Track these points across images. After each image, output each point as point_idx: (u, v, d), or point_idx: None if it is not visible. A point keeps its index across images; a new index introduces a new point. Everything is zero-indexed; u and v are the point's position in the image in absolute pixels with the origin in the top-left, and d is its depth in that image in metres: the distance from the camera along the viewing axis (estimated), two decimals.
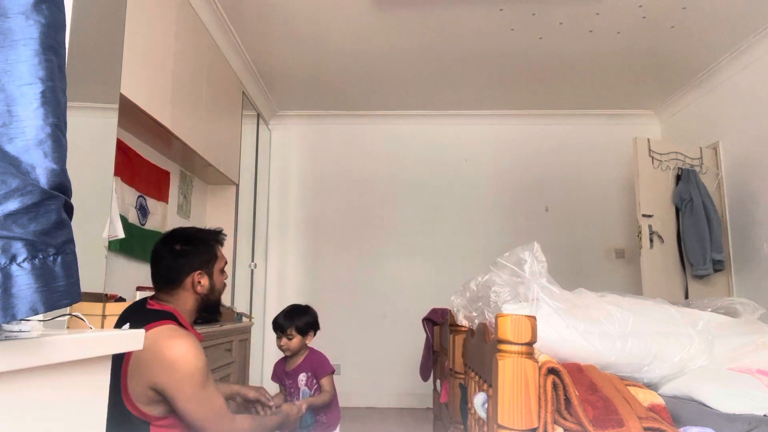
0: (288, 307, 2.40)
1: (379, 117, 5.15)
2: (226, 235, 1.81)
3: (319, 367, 2.32)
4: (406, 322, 4.70)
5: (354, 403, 4.63)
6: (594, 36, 3.72)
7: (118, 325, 1.67)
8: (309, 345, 2.38)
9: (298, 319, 2.32)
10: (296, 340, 2.31)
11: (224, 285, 1.81)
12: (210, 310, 1.77)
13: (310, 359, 2.34)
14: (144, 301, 1.68)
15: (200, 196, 3.93)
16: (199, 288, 1.68)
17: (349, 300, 4.89)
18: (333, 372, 2.35)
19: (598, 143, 5.10)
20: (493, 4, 3.35)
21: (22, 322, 0.74)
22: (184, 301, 1.67)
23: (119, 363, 1.48)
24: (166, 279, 1.66)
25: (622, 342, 1.44)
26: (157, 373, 1.44)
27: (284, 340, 2.31)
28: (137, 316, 1.61)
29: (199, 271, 1.67)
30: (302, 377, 2.31)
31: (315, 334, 2.39)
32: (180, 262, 1.65)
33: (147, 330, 1.47)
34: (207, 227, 1.80)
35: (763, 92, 3.73)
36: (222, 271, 1.78)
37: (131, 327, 1.50)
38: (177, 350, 1.47)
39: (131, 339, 0.94)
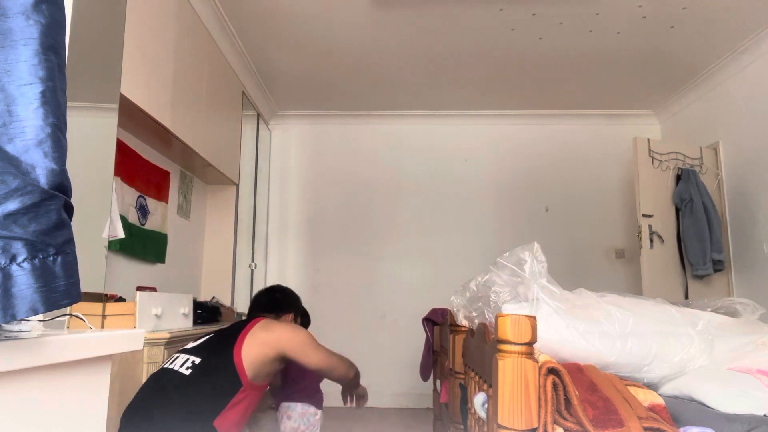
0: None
1: (379, 117, 5.15)
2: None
3: None
4: (406, 322, 4.70)
5: None
6: (594, 36, 3.72)
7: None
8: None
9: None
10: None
11: None
12: None
13: None
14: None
15: (200, 196, 3.93)
16: None
17: (348, 300, 4.89)
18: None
19: (598, 143, 5.10)
20: (493, 4, 3.35)
21: (22, 322, 0.74)
22: None
23: (241, 326, 1.97)
24: (275, 306, 2.29)
25: (622, 342, 1.44)
26: (284, 343, 1.96)
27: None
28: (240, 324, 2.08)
29: (293, 315, 2.35)
30: None
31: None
32: (289, 301, 2.37)
33: (262, 318, 2.05)
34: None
35: (763, 92, 3.73)
36: None
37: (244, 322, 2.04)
38: (293, 327, 2.06)
39: (131, 339, 0.94)
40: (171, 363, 1.87)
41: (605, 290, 1.84)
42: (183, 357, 1.87)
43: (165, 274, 3.27)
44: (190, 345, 1.96)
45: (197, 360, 1.83)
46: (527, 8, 3.39)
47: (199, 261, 3.92)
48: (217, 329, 2.07)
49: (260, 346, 1.89)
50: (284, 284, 4.93)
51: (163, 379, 1.81)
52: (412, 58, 4.07)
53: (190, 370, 1.79)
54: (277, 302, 2.32)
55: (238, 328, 1.96)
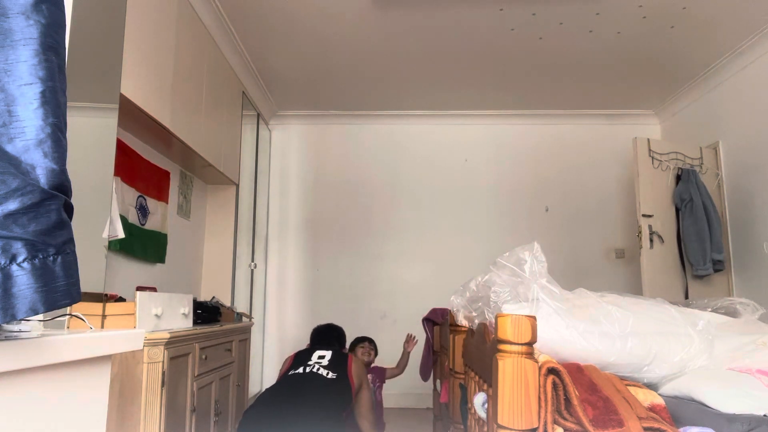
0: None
1: (379, 117, 5.15)
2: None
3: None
4: (406, 322, 4.70)
5: None
6: (594, 36, 3.72)
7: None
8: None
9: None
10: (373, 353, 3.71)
11: None
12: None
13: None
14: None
15: (200, 196, 3.92)
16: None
17: (348, 300, 4.89)
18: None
19: (598, 143, 5.10)
20: (493, 4, 3.35)
21: (22, 322, 0.74)
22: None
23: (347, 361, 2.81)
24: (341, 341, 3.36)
25: (622, 342, 1.44)
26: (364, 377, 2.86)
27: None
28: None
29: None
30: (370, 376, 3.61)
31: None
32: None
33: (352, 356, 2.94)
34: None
35: (763, 92, 3.73)
36: None
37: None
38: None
39: (131, 339, 0.94)
40: (309, 369, 2.67)
41: (605, 290, 1.84)
42: (317, 366, 2.69)
43: (165, 274, 3.27)
44: (314, 361, 2.76)
45: (333, 374, 2.64)
46: (527, 8, 3.39)
47: (199, 261, 3.92)
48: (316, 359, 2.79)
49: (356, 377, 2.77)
50: (284, 284, 4.99)
51: (312, 378, 2.59)
52: (412, 58, 4.07)
53: (333, 377, 2.63)
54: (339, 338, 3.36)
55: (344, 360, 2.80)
